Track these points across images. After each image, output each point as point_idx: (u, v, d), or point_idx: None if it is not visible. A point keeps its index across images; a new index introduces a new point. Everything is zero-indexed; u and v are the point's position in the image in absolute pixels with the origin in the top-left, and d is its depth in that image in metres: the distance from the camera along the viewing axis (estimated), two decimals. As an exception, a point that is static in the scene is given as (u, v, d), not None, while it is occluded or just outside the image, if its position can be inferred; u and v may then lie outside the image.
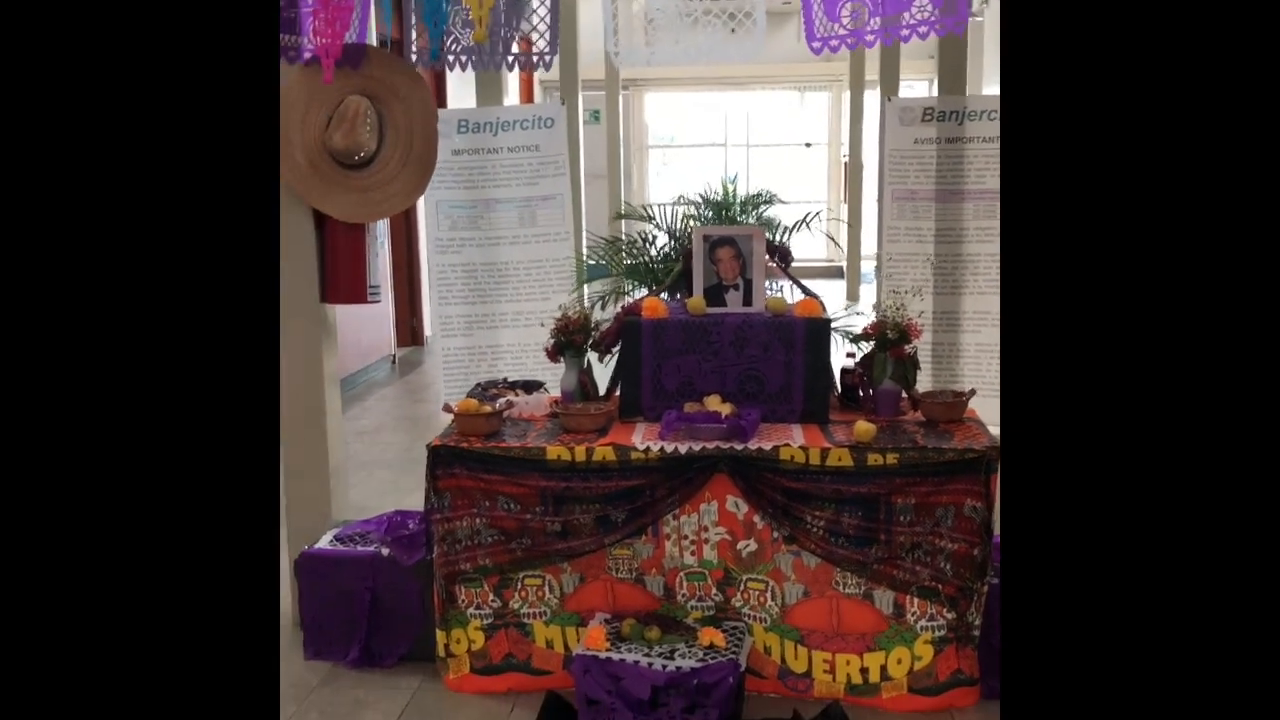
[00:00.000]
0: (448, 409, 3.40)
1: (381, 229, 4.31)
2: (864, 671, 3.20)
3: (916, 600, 3.14)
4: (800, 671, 3.24)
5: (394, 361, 9.20)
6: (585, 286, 5.92)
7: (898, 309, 3.47)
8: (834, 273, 12.82)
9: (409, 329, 9.89)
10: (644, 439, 3.26)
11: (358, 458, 6.25)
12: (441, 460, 3.27)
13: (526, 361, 6.42)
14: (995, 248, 5.62)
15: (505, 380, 3.88)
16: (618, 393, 3.64)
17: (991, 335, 5.72)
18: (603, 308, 5.10)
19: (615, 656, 3.04)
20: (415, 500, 5.52)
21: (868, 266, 11.53)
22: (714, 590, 3.26)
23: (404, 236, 9.64)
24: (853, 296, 11.61)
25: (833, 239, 6.64)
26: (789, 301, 3.51)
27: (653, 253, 5.28)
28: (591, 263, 6.34)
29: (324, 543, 3.70)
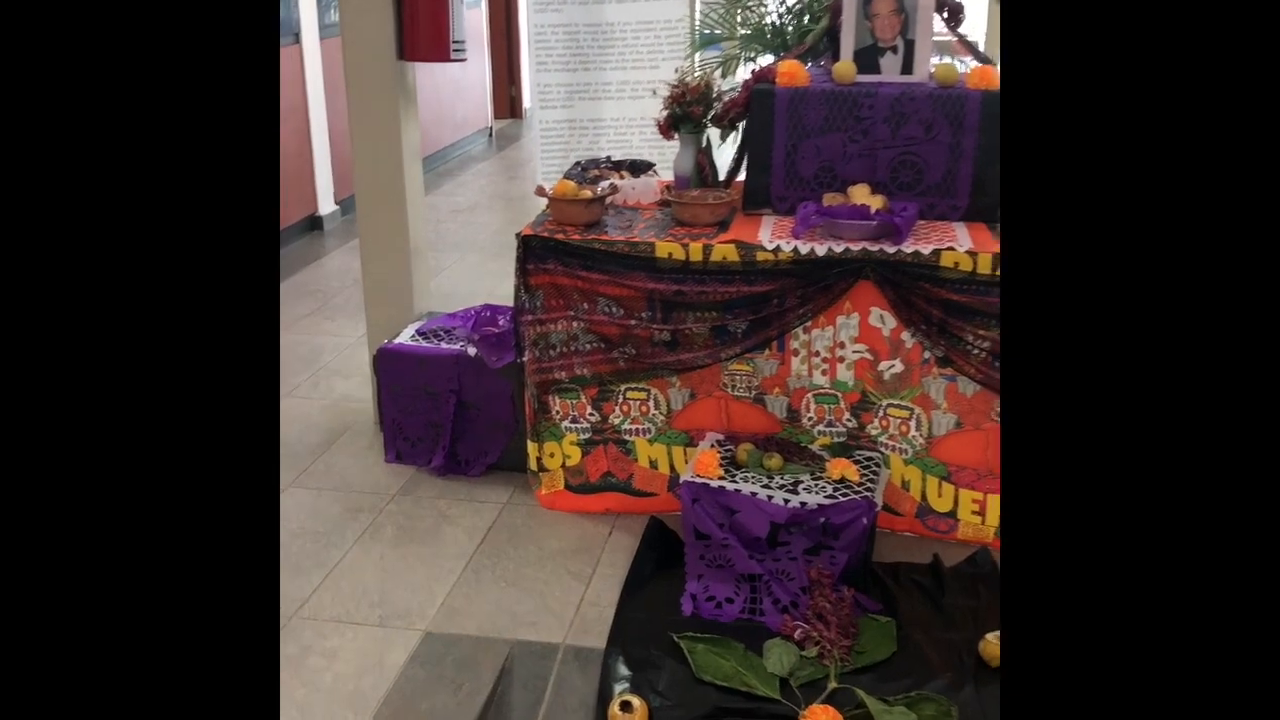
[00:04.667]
0: (541, 192, 2.89)
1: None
2: (1020, 517, 2.73)
3: (1094, 441, 2.62)
4: (943, 511, 2.80)
5: (491, 135, 8.66)
6: (700, 53, 5.22)
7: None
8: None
9: (507, 100, 9.27)
10: (773, 236, 2.71)
11: (449, 238, 5.85)
12: (533, 253, 2.79)
13: (632, 139, 5.82)
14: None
15: (608, 159, 3.33)
16: (741, 178, 3.08)
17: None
18: (723, 76, 4.43)
19: (730, 486, 2.63)
20: (508, 289, 5.13)
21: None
22: (847, 415, 2.80)
23: (501, -4, 8.86)
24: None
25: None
26: (960, 71, 2.84)
27: (779, 11, 4.53)
28: (705, 31, 5.61)
29: (405, 337, 3.32)
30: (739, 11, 4.62)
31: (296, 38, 5.64)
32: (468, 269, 5.34)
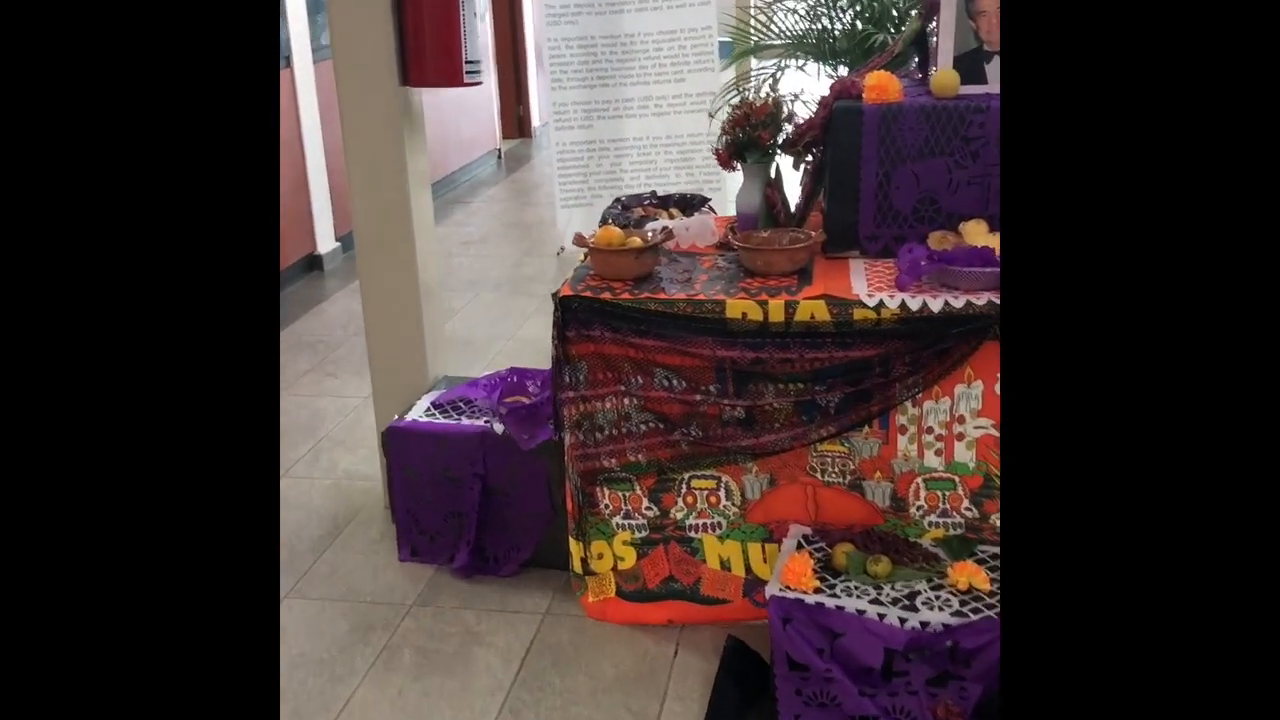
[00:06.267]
0: (581, 242, 2.38)
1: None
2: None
3: None
4: (1087, 619, 2.27)
5: (499, 157, 8.16)
6: (734, 65, 4.73)
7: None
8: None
9: (515, 119, 8.78)
10: (871, 288, 2.20)
11: (461, 274, 5.35)
12: (574, 317, 2.28)
13: (657, 159, 5.35)
14: None
15: (653, 195, 2.81)
16: (815, 212, 2.57)
17: None
18: (773, 89, 3.92)
19: (830, 601, 2.12)
20: (530, 329, 4.64)
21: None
22: (965, 503, 2.28)
23: (506, 8, 8.37)
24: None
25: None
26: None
27: (829, 14, 4.03)
28: (722, 39, 5.13)
29: (418, 412, 2.80)
30: (781, 15, 4.11)
31: (288, 61, 5.15)
32: (483, 309, 4.84)
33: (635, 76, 5.13)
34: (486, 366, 3.96)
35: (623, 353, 2.27)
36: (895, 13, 3.65)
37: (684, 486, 2.37)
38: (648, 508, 2.40)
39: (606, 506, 2.41)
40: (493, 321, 4.66)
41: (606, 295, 2.26)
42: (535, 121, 8.98)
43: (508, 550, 2.70)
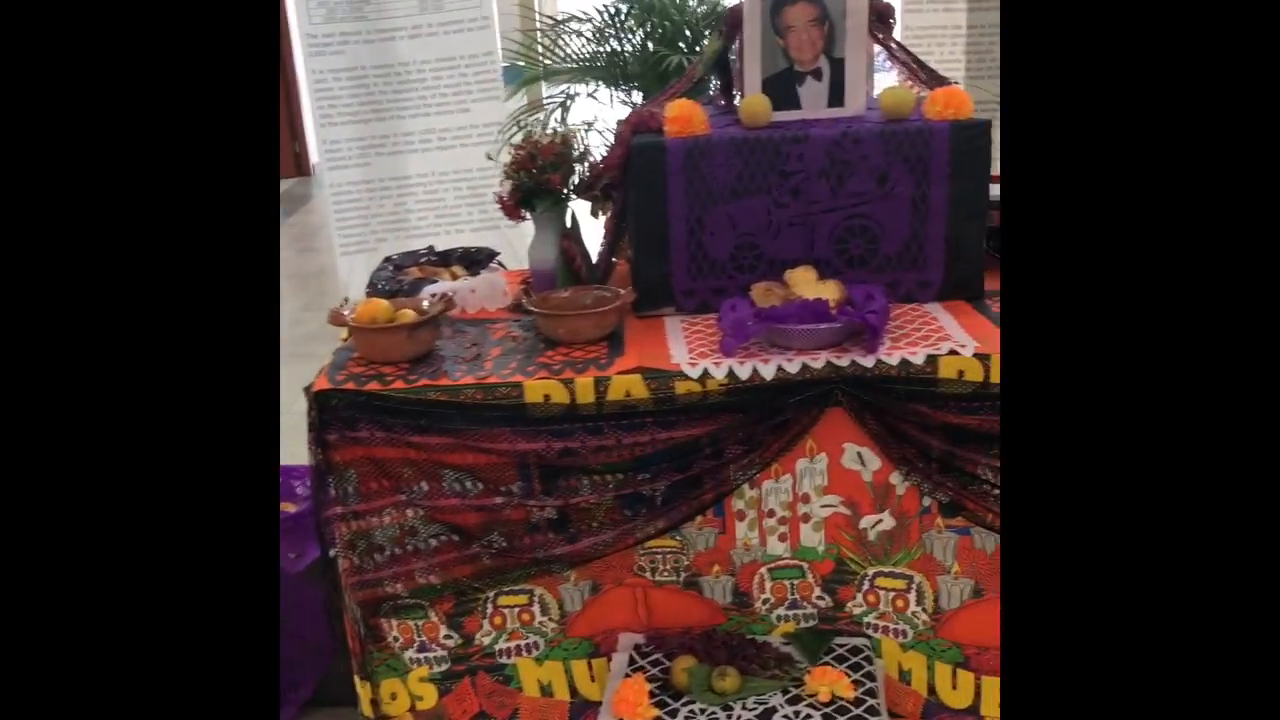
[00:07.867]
0: (339, 320, 1.94)
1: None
2: (1070, 708, 1.98)
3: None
4: (961, 707, 2.00)
5: (275, 199, 7.50)
6: (521, 92, 4.38)
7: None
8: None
9: (291, 156, 8.14)
10: (692, 355, 1.86)
11: (232, 337, 4.74)
12: (337, 415, 1.84)
13: (445, 196, 4.93)
14: None
15: (429, 251, 2.39)
16: (621, 263, 2.23)
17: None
18: (562, 120, 3.58)
19: (673, 735, 1.76)
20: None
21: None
22: (817, 591, 1.97)
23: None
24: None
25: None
26: (915, 95, 2.07)
27: (616, 41, 3.73)
28: (506, 64, 4.78)
29: (157, 534, 2.28)
30: (568, 37, 3.78)
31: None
32: (257, 378, 4.26)
33: (414, 108, 4.71)
34: (259, 449, 3.43)
35: (400, 454, 1.85)
36: (689, 32, 3.38)
37: (489, 606, 1.96)
38: (447, 636, 1.97)
39: (396, 639, 1.97)
40: (268, 391, 4.11)
41: (374, 385, 1.84)
42: (314, 158, 8.35)
43: (284, 691, 2.22)
